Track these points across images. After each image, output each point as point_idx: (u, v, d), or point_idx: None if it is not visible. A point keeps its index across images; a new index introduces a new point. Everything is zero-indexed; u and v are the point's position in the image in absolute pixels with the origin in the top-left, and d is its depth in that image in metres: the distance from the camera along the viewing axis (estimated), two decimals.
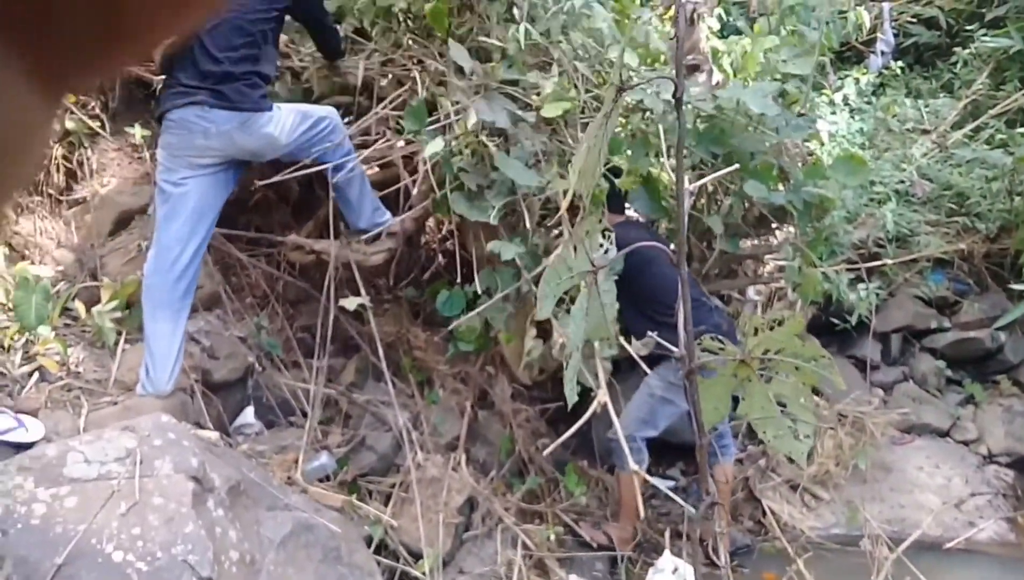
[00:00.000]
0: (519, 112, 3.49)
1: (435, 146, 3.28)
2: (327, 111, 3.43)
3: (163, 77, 3.24)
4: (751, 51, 4.07)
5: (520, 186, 3.38)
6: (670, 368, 3.56)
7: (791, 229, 4.08)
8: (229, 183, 3.30)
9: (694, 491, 4.33)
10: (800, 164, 4.00)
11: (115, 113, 3.77)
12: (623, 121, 4.09)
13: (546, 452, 3.34)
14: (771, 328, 1.38)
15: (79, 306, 3.37)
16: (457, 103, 3.47)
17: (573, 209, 3.52)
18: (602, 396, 1.35)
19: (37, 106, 0.27)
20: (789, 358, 1.33)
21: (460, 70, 3.56)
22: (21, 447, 2.87)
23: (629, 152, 3.70)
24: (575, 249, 1.16)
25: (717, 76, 4.16)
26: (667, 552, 3.36)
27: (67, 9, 0.25)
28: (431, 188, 3.53)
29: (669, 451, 4.37)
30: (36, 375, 3.18)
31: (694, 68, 4.26)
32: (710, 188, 3.87)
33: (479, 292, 3.50)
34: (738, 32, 5.36)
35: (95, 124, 3.57)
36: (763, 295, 4.88)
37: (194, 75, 3.09)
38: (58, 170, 3.61)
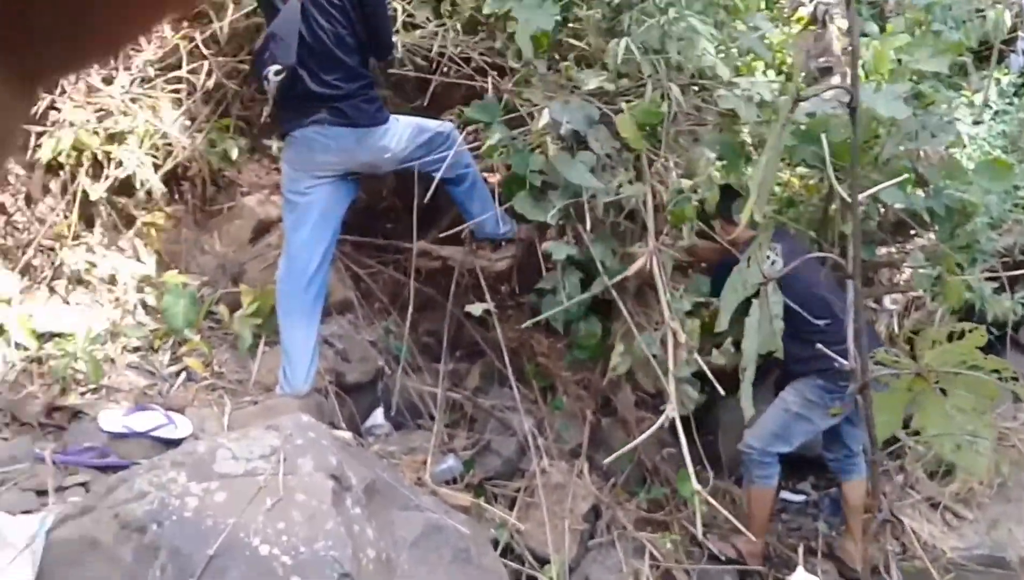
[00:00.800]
0: (602, 109, 3.45)
1: (495, 135, 3.31)
2: (445, 125, 3.50)
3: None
4: (881, 51, 3.92)
5: (585, 189, 3.36)
6: (809, 384, 3.47)
7: (930, 236, 3.91)
8: (351, 191, 3.42)
9: (825, 506, 4.19)
10: (938, 168, 3.82)
11: (256, 126, 3.94)
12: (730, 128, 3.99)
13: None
14: (949, 340, 1.32)
15: (223, 310, 3.54)
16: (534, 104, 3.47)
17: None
18: (748, 408, 1.32)
19: (8, 104, 0.27)
20: (969, 371, 1.28)
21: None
22: (171, 443, 3.03)
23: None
24: (748, 261, 1.15)
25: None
26: (800, 568, 3.27)
27: (38, 9, 0.25)
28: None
29: (800, 465, 4.25)
30: (183, 375, 3.36)
31: (826, 71, 4.14)
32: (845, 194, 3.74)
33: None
34: (863, 35, 5.17)
35: (237, 138, 3.74)
36: (899, 304, 4.69)
37: (312, 96, 3.18)
38: (204, 182, 3.79)
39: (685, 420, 3.47)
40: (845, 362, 1.26)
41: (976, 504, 3.90)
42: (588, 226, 3.37)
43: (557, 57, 3.68)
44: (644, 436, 3.08)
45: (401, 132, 3.33)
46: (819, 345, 1.49)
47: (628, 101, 3.48)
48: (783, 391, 3.57)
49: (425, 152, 3.40)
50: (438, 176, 3.34)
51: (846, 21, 4.77)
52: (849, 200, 1.16)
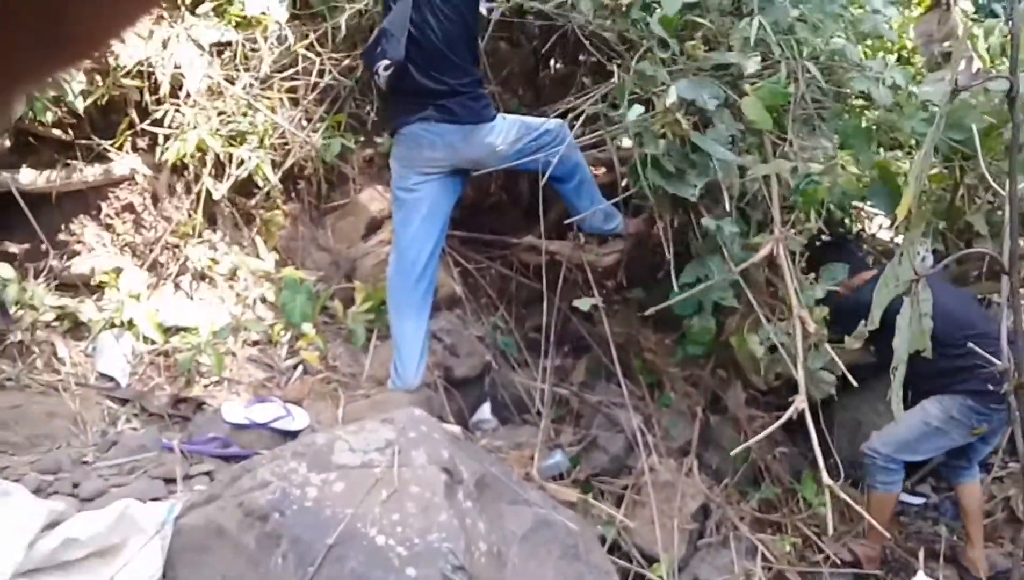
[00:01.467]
0: (727, 92, 3.38)
1: (636, 111, 3.26)
2: (554, 123, 3.48)
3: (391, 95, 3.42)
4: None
5: (720, 171, 3.28)
6: (957, 402, 3.34)
7: None
8: (457, 187, 3.46)
9: (946, 509, 4.01)
10: None
11: (368, 125, 4.02)
12: (858, 113, 3.86)
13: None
14: None
15: (337, 305, 3.63)
16: (662, 83, 3.41)
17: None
18: (899, 410, 1.26)
19: None
20: None
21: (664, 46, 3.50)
22: (288, 434, 3.13)
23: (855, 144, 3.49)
24: (900, 258, 1.10)
25: (977, 63, 3.83)
26: (920, 573, 3.14)
27: (13, 16, 0.25)
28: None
29: (919, 466, 4.08)
30: (300, 368, 3.46)
31: (949, 56, 3.94)
32: (970, 182, 3.57)
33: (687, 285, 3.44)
34: (993, 15, 4.91)
35: (350, 135, 3.83)
36: None
37: (420, 92, 3.25)
38: (319, 179, 3.90)
39: (800, 418, 3.37)
40: (997, 364, 1.20)
41: None
42: (727, 206, 3.30)
43: (680, 38, 3.62)
44: (771, 429, 2.99)
45: (507, 129, 3.35)
46: (968, 360, 1.42)
47: (752, 84, 3.40)
48: (926, 402, 3.44)
49: (533, 150, 3.40)
50: (546, 175, 3.34)
51: (969, 3, 4.55)
52: (1006, 194, 1.09)
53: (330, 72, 3.92)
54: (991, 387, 3.18)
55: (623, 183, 3.62)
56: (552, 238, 3.95)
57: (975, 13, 4.81)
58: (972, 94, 3.51)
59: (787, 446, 3.87)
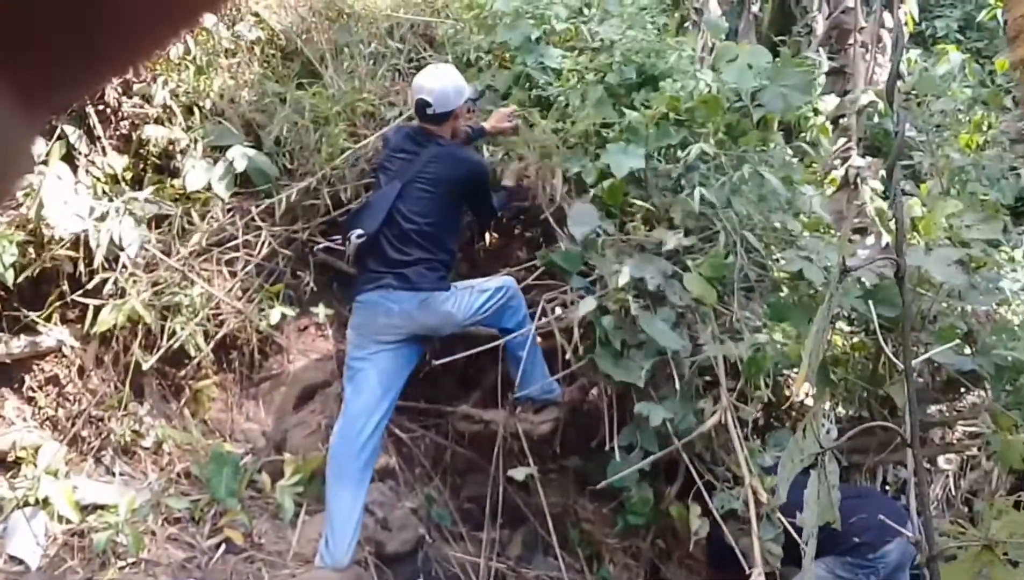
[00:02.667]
0: (674, 269, 3.53)
1: (588, 305, 3.38)
2: (504, 281, 3.61)
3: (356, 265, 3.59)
4: (931, 216, 3.97)
5: (668, 348, 3.37)
6: (838, 562, 3.35)
7: (982, 394, 3.82)
8: (412, 359, 3.51)
9: None
10: (985, 325, 3.79)
11: (302, 293, 4.05)
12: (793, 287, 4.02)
13: None
14: (1009, 510, 1.28)
15: (265, 479, 3.52)
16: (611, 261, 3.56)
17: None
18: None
19: (18, 127, 0.26)
20: None
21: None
22: None
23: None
24: (804, 431, 1.13)
25: (885, 238, 4.07)
26: None
27: (48, 30, 0.25)
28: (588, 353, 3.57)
29: None
30: (223, 547, 3.31)
31: (860, 231, 4.20)
32: (891, 352, 3.71)
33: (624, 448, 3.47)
34: (904, 193, 5.27)
35: (284, 307, 3.84)
36: (954, 464, 4.53)
37: (381, 263, 3.42)
38: (251, 350, 3.87)
39: None
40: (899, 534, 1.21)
41: None
42: (676, 385, 3.37)
43: (622, 218, 3.81)
44: None
45: (461, 297, 3.47)
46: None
47: (694, 259, 3.57)
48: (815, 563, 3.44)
49: (485, 311, 3.51)
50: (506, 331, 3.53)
51: (878, 183, 4.88)
52: (902, 366, 1.15)
53: (269, 244, 3.98)
54: (864, 539, 3.29)
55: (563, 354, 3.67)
56: (487, 407, 3.95)
57: (884, 192, 5.15)
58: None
59: None
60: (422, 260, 3.41)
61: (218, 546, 3.29)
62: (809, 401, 3.75)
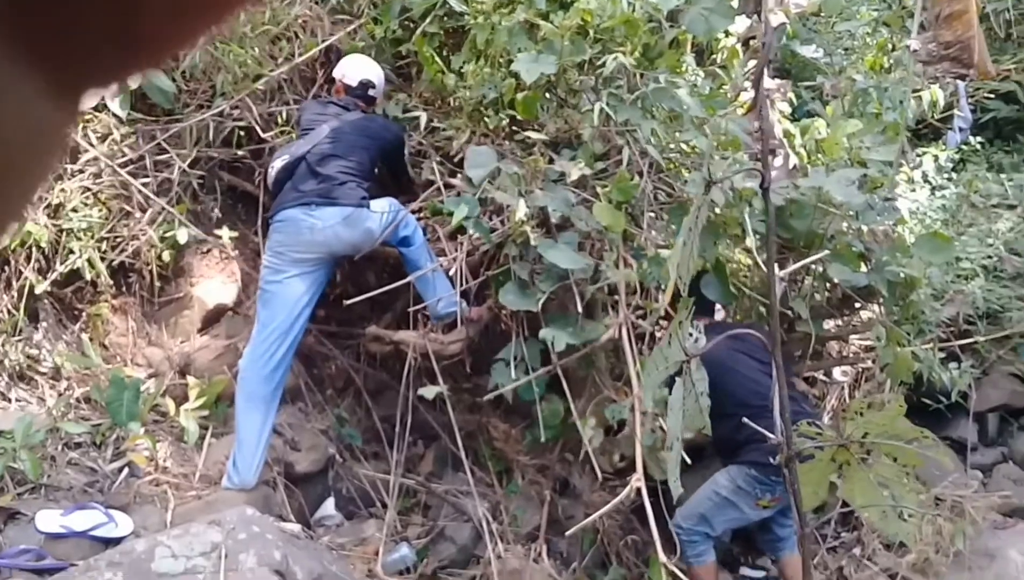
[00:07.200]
0: (583, 197, 3.52)
1: (461, 212, 3.37)
2: (388, 200, 3.62)
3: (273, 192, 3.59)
4: (832, 136, 4.04)
5: (571, 272, 3.39)
6: (742, 472, 3.42)
7: (876, 309, 3.97)
8: (324, 282, 3.53)
9: None
10: (882, 243, 3.91)
11: (205, 217, 3.93)
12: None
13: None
14: (859, 413, 1.33)
15: (168, 403, 3.47)
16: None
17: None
18: (676, 488, 1.29)
19: (54, 116, 0.26)
20: (889, 440, 1.28)
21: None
22: (110, 542, 2.93)
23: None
24: (669, 340, 1.15)
25: (793, 160, 4.13)
26: None
27: (85, 17, 0.24)
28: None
29: (752, 540, 4.19)
30: (126, 471, 3.26)
31: (770, 152, 4.25)
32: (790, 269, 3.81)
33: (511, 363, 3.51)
34: (810, 115, 5.35)
35: (187, 229, 3.73)
36: (849, 376, 4.72)
37: (304, 182, 3.45)
38: (151, 273, 3.76)
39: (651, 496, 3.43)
40: (770, 437, 1.26)
41: (933, 573, 3.85)
42: (578, 307, 3.38)
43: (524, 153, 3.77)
44: (609, 507, 3.04)
45: (380, 212, 3.49)
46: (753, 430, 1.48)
47: (604, 186, 3.55)
48: (717, 474, 3.53)
49: (394, 226, 3.53)
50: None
51: (786, 105, 4.94)
52: (767, 275, 1.17)
53: (172, 166, 3.83)
54: (772, 460, 3.36)
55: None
56: (400, 328, 3.94)
57: (792, 113, 5.22)
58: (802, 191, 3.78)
59: (637, 533, 3.90)
60: (345, 182, 3.45)
61: (121, 470, 3.25)
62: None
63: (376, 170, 3.75)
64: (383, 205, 3.53)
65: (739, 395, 3.24)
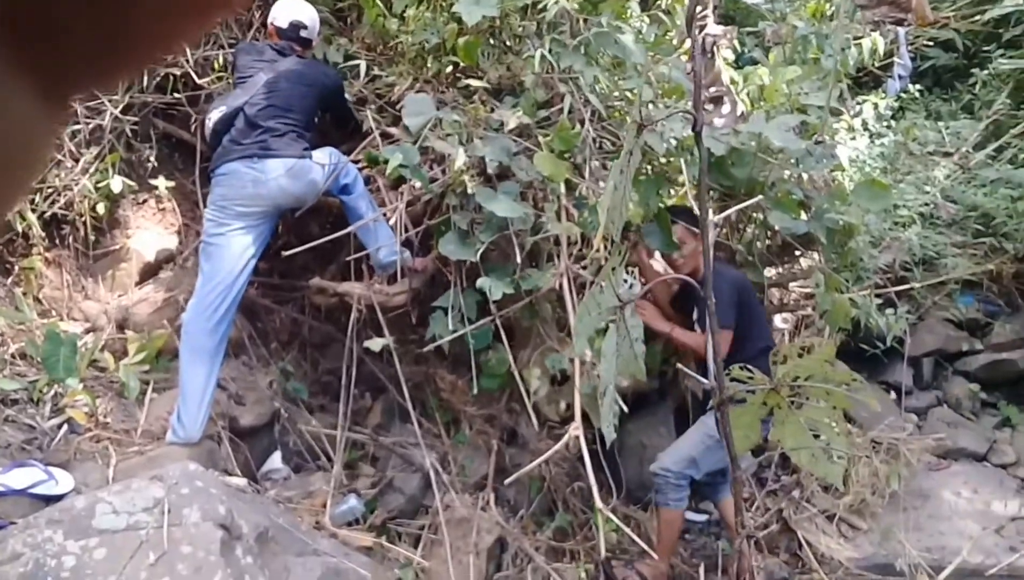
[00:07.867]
0: (524, 145, 3.50)
1: (395, 160, 3.36)
2: (326, 149, 3.57)
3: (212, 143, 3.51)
4: (772, 82, 4.06)
5: (511, 221, 3.38)
6: None
7: (815, 256, 4.04)
8: (268, 234, 3.49)
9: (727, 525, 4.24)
10: (821, 191, 3.97)
11: (140, 167, 3.82)
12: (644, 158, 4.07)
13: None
14: (800, 355, 1.36)
15: (107, 357, 3.40)
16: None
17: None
18: (609, 433, 1.31)
19: (42, 115, 0.26)
20: (819, 384, 1.31)
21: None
22: (51, 499, 2.88)
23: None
24: (601, 286, 1.15)
25: (741, 107, 4.15)
26: None
27: (74, 19, 0.25)
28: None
29: (700, 484, 4.30)
30: (65, 427, 3.20)
31: (717, 100, 4.25)
32: (733, 218, 3.85)
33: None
34: (753, 62, 5.37)
35: (121, 179, 3.62)
36: (790, 323, 4.83)
37: (244, 135, 3.38)
38: (85, 225, 3.65)
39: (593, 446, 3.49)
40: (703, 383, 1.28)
41: (870, 514, 4.00)
42: (518, 257, 3.38)
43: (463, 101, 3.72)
44: (549, 453, 3.08)
45: (321, 164, 3.45)
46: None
47: (546, 135, 3.52)
48: (704, 416, 3.59)
49: (335, 176, 3.49)
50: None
51: (730, 52, 4.94)
52: (700, 219, 1.18)
53: (104, 112, 3.70)
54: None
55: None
56: (343, 280, 3.90)
57: (736, 60, 5.23)
58: (741, 139, 3.80)
59: (583, 480, 3.96)
60: (285, 133, 3.40)
61: (60, 427, 3.18)
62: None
63: (316, 120, 3.67)
64: (324, 156, 3.48)
65: (763, 325, 3.37)
